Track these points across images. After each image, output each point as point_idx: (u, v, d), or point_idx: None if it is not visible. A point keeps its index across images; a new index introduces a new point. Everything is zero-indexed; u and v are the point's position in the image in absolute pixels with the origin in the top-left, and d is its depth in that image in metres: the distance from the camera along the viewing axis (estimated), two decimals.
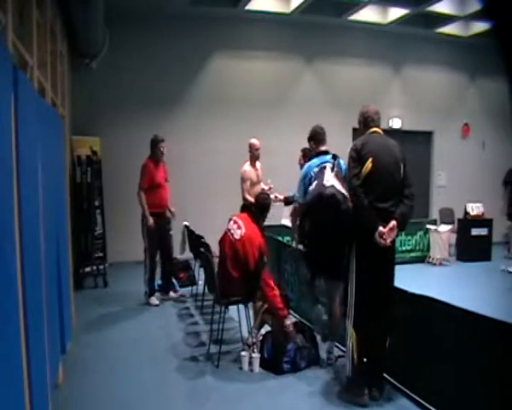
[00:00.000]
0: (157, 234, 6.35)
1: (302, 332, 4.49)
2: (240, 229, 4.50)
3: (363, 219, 3.61)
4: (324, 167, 4.00)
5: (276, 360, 4.26)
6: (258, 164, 6.69)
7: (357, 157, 3.67)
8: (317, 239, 3.88)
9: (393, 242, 3.70)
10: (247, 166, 6.49)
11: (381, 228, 3.55)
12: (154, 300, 6.42)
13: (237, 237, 4.47)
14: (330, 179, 3.83)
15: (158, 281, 6.86)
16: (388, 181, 3.65)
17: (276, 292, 4.42)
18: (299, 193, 4.32)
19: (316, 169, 4.09)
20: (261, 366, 4.30)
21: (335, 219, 3.67)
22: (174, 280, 6.76)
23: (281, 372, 4.22)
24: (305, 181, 4.20)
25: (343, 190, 3.71)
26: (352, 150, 3.73)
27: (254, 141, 6.53)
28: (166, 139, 6.45)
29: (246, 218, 4.62)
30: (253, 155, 6.51)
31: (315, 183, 3.93)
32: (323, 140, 4.46)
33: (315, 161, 4.23)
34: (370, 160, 3.61)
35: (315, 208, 3.82)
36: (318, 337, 4.52)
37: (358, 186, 3.61)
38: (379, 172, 3.61)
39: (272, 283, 4.44)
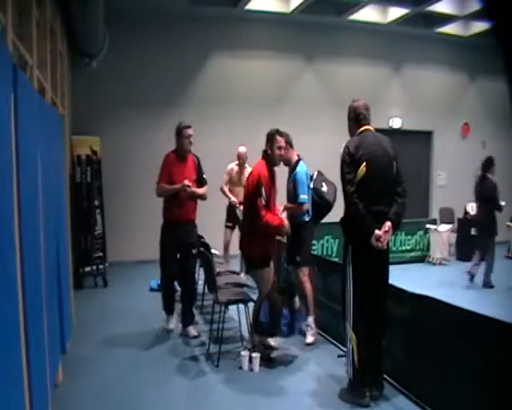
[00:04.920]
0: (174, 243, 5.05)
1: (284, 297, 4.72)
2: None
3: (360, 225, 3.58)
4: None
5: (275, 324, 4.38)
6: (248, 169, 6.87)
7: (351, 161, 3.59)
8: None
9: (388, 242, 3.67)
10: (231, 164, 7.11)
11: (377, 231, 3.52)
12: (169, 322, 5.33)
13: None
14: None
15: (158, 281, 6.82)
16: (382, 183, 3.60)
17: (269, 217, 4.25)
18: (306, 193, 4.82)
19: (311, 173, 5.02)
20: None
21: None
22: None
23: (281, 335, 4.37)
24: (308, 182, 4.91)
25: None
26: (345, 154, 3.64)
27: (240, 149, 7.02)
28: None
29: (257, 162, 4.54)
30: (239, 161, 7.06)
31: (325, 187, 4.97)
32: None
33: (302, 166, 4.94)
34: (364, 164, 3.54)
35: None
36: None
37: (353, 192, 3.55)
38: (373, 175, 3.55)
39: (264, 212, 4.22)
